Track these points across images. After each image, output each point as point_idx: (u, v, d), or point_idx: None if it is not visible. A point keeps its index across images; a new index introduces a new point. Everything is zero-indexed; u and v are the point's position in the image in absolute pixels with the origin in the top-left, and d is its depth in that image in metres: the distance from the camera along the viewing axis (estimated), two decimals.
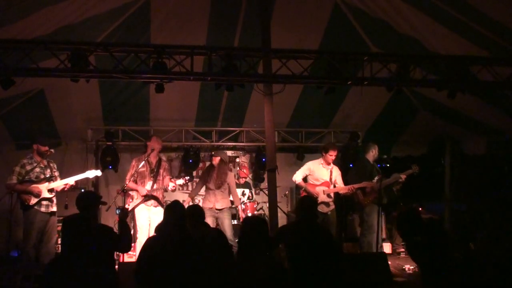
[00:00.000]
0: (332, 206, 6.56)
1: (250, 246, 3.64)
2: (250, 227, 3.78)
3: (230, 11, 6.07)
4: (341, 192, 6.58)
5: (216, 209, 6.41)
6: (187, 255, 3.66)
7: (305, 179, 6.74)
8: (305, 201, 4.79)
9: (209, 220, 6.33)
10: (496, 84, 5.39)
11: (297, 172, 6.72)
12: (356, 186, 6.52)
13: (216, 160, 6.56)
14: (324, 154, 6.62)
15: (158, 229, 3.90)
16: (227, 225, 6.38)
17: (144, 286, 3.66)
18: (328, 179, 6.58)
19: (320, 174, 6.62)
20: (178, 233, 3.76)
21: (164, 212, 3.96)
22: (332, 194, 6.54)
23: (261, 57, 5.34)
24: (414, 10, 5.38)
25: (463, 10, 4.97)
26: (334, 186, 6.60)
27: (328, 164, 6.62)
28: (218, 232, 4.79)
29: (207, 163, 8.37)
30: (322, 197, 6.46)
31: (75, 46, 4.72)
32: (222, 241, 4.43)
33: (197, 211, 4.56)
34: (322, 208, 6.42)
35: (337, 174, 6.69)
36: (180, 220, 3.88)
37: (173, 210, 3.90)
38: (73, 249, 3.84)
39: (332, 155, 6.56)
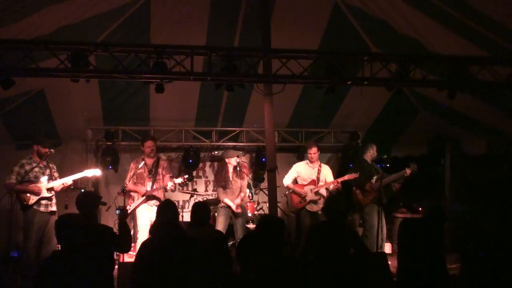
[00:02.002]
0: (321, 205, 6.57)
1: (262, 247, 3.63)
2: (264, 227, 3.77)
3: (230, 11, 6.07)
4: (328, 188, 6.60)
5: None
6: (184, 254, 3.64)
7: (295, 182, 6.77)
8: (330, 200, 4.78)
9: (223, 218, 6.36)
10: (496, 84, 5.39)
11: (286, 176, 6.79)
12: (340, 180, 6.56)
13: (235, 160, 6.59)
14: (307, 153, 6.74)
15: (152, 230, 3.89)
16: (240, 224, 6.41)
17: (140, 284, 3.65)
18: (315, 178, 6.62)
19: (307, 174, 6.69)
20: (172, 233, 3.75)
21: (156, 212, 3.94)
22: (320, 192, 6.58)
23: (261, 57, 5.34)
24: (414, 10, 5.38)
25: (463, 10, 4.97)
26: None
27: (312, 162, 6.66)
28: (219, 233, 4.75)
29: (208, 163, 8.42)
30: (310, 196, 6.54)
31: (75, 46, 4.72)
32: (223, 244, 4.40)
33: (203, 210, 4.37)
34: (311, 207, 6.53)
35: (326, 172, 6.73)
36: (173, 219, 3.86)
37: (165, 209, 3.88)
38: (72, 249, 3.84)
39: (310, 153, 6.64)
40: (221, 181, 6.51)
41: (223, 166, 6.66)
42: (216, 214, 6.60)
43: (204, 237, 4.06)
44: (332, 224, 4.39)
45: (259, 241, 3.73)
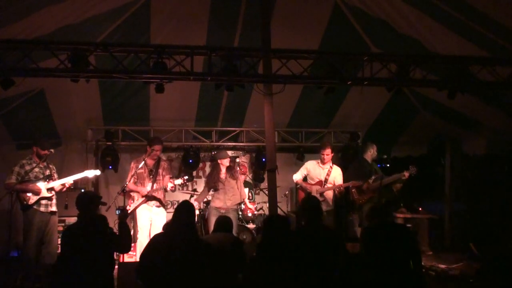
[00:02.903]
0: (325, 207, 6.55)
1: (272, 246, 3.62)
2: (273, 227, 3.77)
3: (230, 11, 6.08)
4: (335, 190, 6.60)
5: (223, 210, 6.44)
6: (194, 255, 3.66)
7: (306, 179, 6.80)
8: (306, 201, 4.67)
9: (214, 219, 6.36)
10: (496, 84, 5.39)
11: (297, 172, 6.86)
12: (344, 185, 6.57)
13: (228, 161, 6.61)
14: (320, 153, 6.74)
15: (167, 227, 3.93)
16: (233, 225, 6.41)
17: (145, 282, 3.67)
18: (322, 179, 6.61)
19: (316, 174, 6.70)
20: (187, 233, 3.77)
21: (174, 211, 3.98)
22: (325, 194, 6.56)
23: (261, 57, 5.34)
24: (414, 10, 5.38)
25: (463, 10, 4.97)
26: None
27: (324, 163, 6.65)
28: (236, 239, 4.80)
29: (208, 163, 8.42)
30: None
31: (75, 46, 4.72)
32: (238, 249, 4.44)
33: (226, 223, 4.71)
34: None
35: (337, 174, 6.71)
36: (190, 220, 3.89)
37: (183, 209, 3.91)
38: (73, 250, 3.85)
39: (323, 153, 6.63)
40: (211, 183, 6.54)
41: (215, 167, 6.68)
42: (207, 214, 6.68)
43: (220, 240, 4.19)
44: (309, 226, 4.29)
45: (266, 240, 3.74)
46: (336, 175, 6.70)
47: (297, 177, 6.79)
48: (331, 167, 6.72)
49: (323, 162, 6.69)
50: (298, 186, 6.85)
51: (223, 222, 4.72)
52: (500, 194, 7.42)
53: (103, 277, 3.82)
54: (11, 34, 4.86)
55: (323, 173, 6.67)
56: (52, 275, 3.62)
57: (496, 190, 7.52)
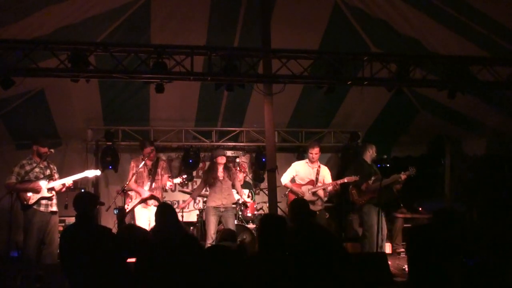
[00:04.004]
0: (319, 206, 6.54)
1: (269, 245, 3.62)
2: (269, 226, 3.76)
3: (230, 11, 6.08)
4: (328, 189, 6.58)
5: (222, 208, 6.44)
6: (188, 253, 3.66)
7: (293, 181, 6.74)
8: (295, 204, 4.56)
9: (213, 219, 6.35)
10: (496, 84, 5.39)
11: (284, 174, 6.67)
12: (339, 182, 6.51)
13: (224, 159, 6.59)
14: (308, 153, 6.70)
15: (154, 232, 3.91)
16: (231, 224, 6.40)
17: (146, 285, 3.67)
18: (313, 178, 6.60)
19: (306, 174, 6.62)
20: (176, 233, 3.76)
21: (155, 215, 3.91)
22: (318, 193, 6.56)
23: (261, 57, 5.34)
24: (414, 10, 5.39)
25: (463, 10, 4.98)
26: None
27: (313, 162, 6.64)
28: (239, 246, 4.84)
29: (208, 163, 8.42)
30: (308, 196, 6.47)
31: (75, 46, 4.72)
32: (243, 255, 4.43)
33: (230, 235, 4.98)
34: None
35: (325, 173, 6.68)
36: (174, 221, 3.87)
37: (163, 213, 3.88)
38: (71, 250, 3.85)
39: (312, 152, 6.58)
40: (209, 179, 6.49)
41: (213, 165, 6.66)
42: (205, 214, 6.62)
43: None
44: (299, 227, 4.20)
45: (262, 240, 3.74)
46: (325, 174, 6.68)
47: (286, 179, 6.62)
48: (319, 166, 6.69)
49: (311, 162, 6.65)
50: (288, 190, 6.66)
51: (228, 234, 4.93)
52: (500, 194, 7.42)
53: (109, 279, 3.78)
54: (11, 34, 4.87)
55: (313, 172, 6.63)
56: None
57: (496, 190, 7.52)
